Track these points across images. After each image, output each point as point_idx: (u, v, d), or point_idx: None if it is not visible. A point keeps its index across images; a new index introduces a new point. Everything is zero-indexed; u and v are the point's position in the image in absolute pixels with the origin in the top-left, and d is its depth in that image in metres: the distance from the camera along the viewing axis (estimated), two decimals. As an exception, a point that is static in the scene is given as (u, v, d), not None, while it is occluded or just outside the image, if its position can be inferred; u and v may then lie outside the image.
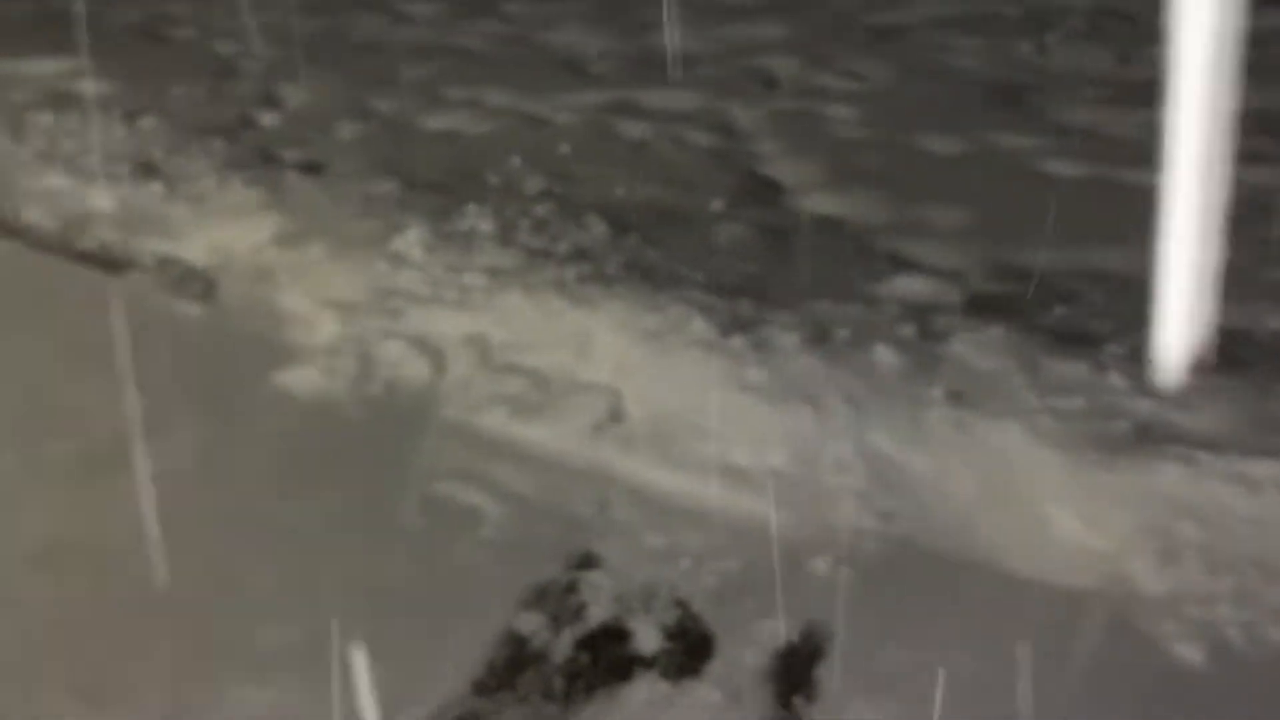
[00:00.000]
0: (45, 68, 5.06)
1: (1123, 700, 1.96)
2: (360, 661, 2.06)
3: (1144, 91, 4.74)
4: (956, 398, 2.43)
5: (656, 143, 4.40)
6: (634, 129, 4.53)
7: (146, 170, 4.02)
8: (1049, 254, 3.32)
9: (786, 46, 5.35)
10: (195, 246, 3.57)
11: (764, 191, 3.93)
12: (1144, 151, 4.17)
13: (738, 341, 2.57)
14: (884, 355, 2.53)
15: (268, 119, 4.63)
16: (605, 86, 4.99)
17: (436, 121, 4.63)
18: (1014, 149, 4.23)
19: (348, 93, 4.88)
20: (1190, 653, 2.01)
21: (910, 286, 2.93)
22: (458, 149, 4.32)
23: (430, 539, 2.37)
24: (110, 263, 3.47)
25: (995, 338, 2.61)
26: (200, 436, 2.66)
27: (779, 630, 2.13)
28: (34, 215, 3.75)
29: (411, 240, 3.12)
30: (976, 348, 2.58)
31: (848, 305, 2.77)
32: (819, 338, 2.60)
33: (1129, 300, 3.04)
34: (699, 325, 2.61)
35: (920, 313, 2.75)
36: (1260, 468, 2.15)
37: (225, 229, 3.60)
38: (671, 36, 5.60)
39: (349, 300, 2.99)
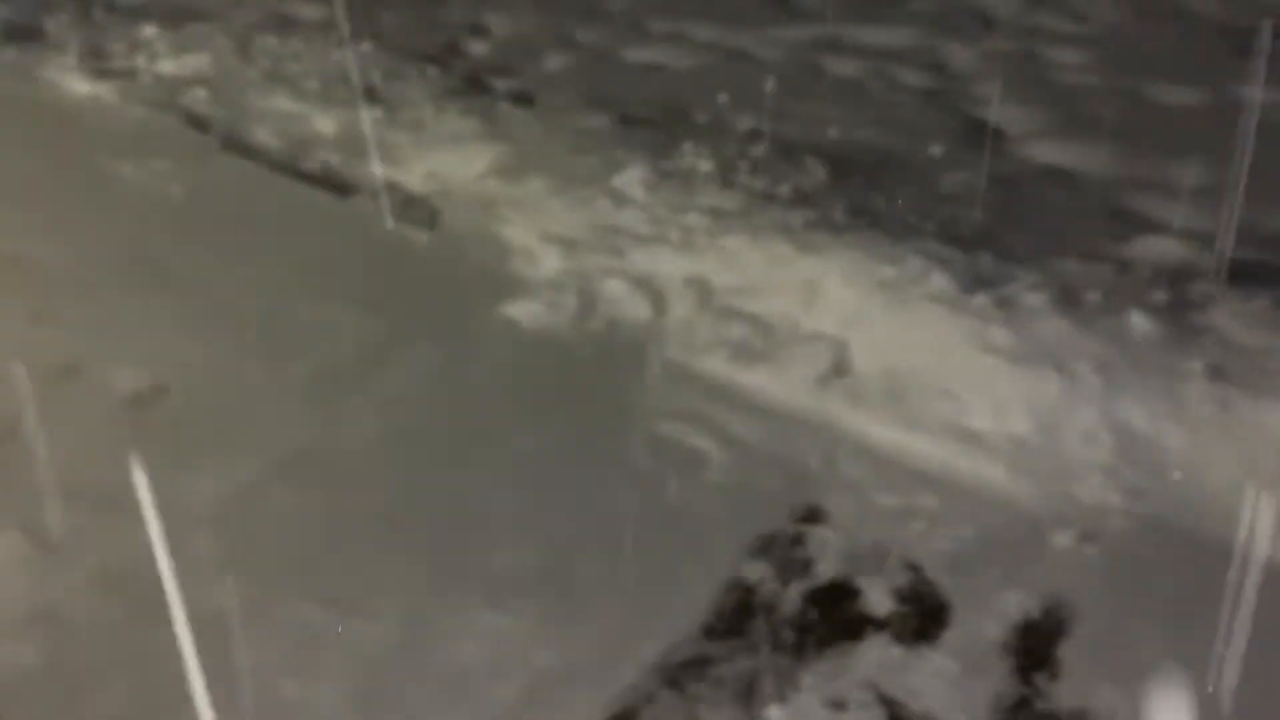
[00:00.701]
0: (265, -11, 5.18)
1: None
2: (593, 595, 2.08)
3: None
4: (1218, 372, 2.27)
5: (868, 81, 4.24)
6: (844, 66, 4.37)
7: (367, 95, 4.08)
8: (1306, 218, 3.06)
9: (1005, -17, 5.06)
10: (415, 173, 3.61)
11: (986, 138, 3.74)
12: None
13: (980, 299, 2.45)
14: (1138, 322, 2.38)
15: (476, 47, 4.65)
16: (813, 21, 4.82)
17: (641, 54, 4.57)
18: (1260, 102, 3.90)
19: (552, 22, 4.84)
20: None
21: (1159, 248, 2.74)
22: (664, 83, 4.25)
23: (658, 478, 2.36)
24: (337, 185, 3.54)
25: (1260, 310, 2.42)
26: (434, 360, 2.71)
27: (1020, 603, 2.05)
28: (262, 135, 3.86)
29: (632, 178, 3.08)
30: (1239, 320, 2.40)
31: (1095, 266, 2.61)
32: (1067, 299, 2.46)
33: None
34: (938, 279, 2.50)
35: (1175, 278, 2.57)
36: None
37: (444, 157, 3.63)
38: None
39: (571, 236, 2.98)
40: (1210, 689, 1.85)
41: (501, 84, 4.28)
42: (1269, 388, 2.23)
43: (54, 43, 4.52)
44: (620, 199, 3.04)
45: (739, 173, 3.12)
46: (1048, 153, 3.60)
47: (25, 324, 2.87)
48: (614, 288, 2.81)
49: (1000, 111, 3.94)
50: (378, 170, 3.67)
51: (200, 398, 2.63)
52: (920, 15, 4.81)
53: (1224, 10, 4.56)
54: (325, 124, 3.90)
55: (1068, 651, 1.96)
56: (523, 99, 4.09)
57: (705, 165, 3.13)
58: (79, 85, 4.08)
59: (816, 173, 3.13)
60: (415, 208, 3.38)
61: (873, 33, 4.64)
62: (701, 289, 2.73)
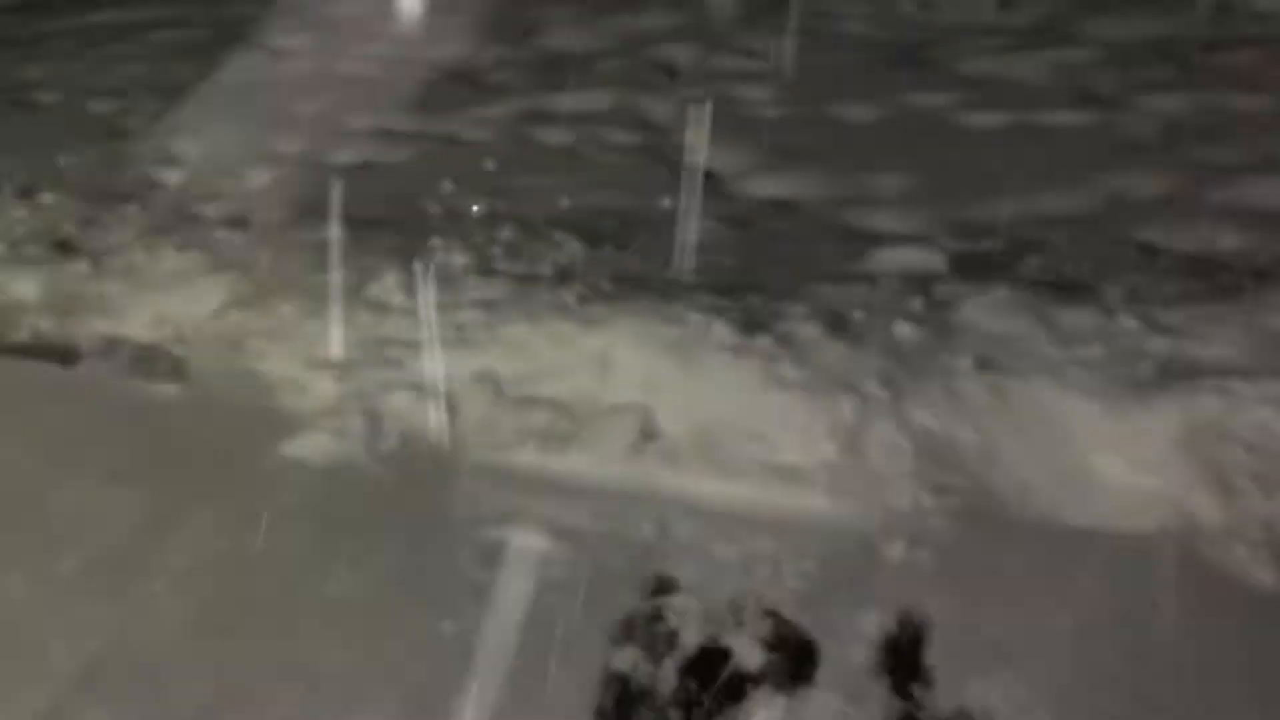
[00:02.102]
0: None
1: (1213, 633, 2.00)
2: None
3: (1032, 35, 4.90)
4: (984, 363, 2.43)
5: (582, 147, 4.30)
6: (554, 135, 4.42)
7: (62, 248, 3.71)
8: (999, 206, 3.37)
9: (678, 33, 5.31)
10: (140, 322, 3.30)
11: (705, 182, 3.88)
12: (1049, 93, 4.30)
13: (762, 340, 2.51)
14: (904, 332, 2.51)
15: (172, 176, 4.34)
16: (509, 96, 4.85)
17: (347, 155, 4.42)
18: (929, 107, 4.28)
19: (246, 139, 4.61)
20: (1267, 575, 2.06)
21: (894, 258, 2.92)
22: (382, 181, 4.13)
23: (497, 588, 2.25)
24: (58, 353, 3.18)
25: (1001, 299, 2.62)
26: (219, 523, 2.46)
27: (876, 622, 2.09)
28: (-47, 314, 3.41)
29: (389, 285, 2.95)
30: (987, 311, 2.58)
31: (849, 287, 2.74)
32: (837, 324, 2.56)
33: (1092, 240, 3.12)
34: (719, 330, 2.54)
35: (919, 283, 2.75)
36: (1292, 387, 2.21)
37: (169, 299, 3.35)
38: (562, 37, 5.49)
39: (339, 357, 2.81)
40: (1064, 659, 1.96)
41: (210, 210, 4.01)
42: (1029, 367, 2.42)
43: None
44: (381, 309, 2.90)
45: (495, 259, 3.06)
46: (764, 186, 3.78)
47: None
48: (399, 401, 2.67)
49: (710, 155, 4.10)
50: (98, 327, 3.33)
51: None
52: (610, 76, 4.95)
53: (877, 30, 4.99)
54: (24, 288, 3.50)
55: (933, 657, 2.03)
56: (235, 222, 3.85)
57: (459, 258, 3.05)
58: None
59: (569, 246, 3.12)
60: (154, 360, 3.09)
61: (571, 99, 4.73)
62: (491, 383, 2.65)
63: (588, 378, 2.56)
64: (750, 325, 2.56)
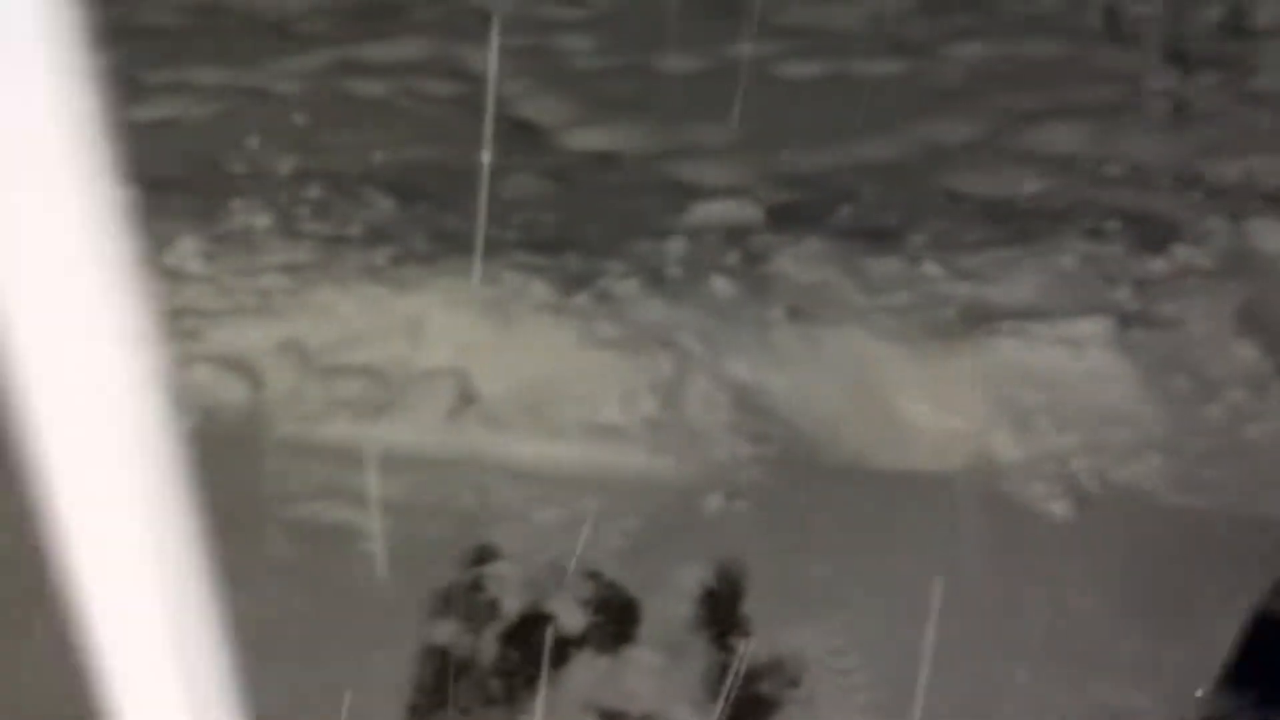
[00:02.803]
0: None
1: (1017, 565, 2.08)
2: (276, 713, 1.86)
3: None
4: (795, 314, 2.45)
5: (397, 99, 4.14)
6: (368, 87, 4.23)
7: None
8: (815, 156, 3.40)
9: (496, -20, 5.14)
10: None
11: (525, 135, 3.79)
12: (863, 42, 4.35)
13: (580, 299, 2.46)
14: (720, 286, 2.51)
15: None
16: (320, 46, 4.62)
17: (148, 111, 4.13)
18: (749, 57, 4.27)
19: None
20: (1059, 508, 2.15)
21: (713, 211, 2.91)
22: (185, 138, 3.88)
23: (309, 567, 2.15)
24: None
25: (813, 249, 2.64)
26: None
27: (695, 576, 2.10)
28: None
29: (186, 251, 2.77)
30: (799, 262, 2.60)
31: (668, 241, 2.72)
32: (655, 280, 2.53)
33: (902, 188, 3.18)
34: (537, 289, 2.48)
35: (736, 236, 2.74)
36: (1081, 327, 2.30)
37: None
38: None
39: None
40: (875, 601, 2.00)
41: (-10, 173, 3.69)
42: (838, 315, 2.45)
43: None
44: (178, 276, 2.72)
45: (300, 220, 2.91)
46: (585, 139, 3.71)
47: None
48: (200, 375, 2.51)
49: (530, 106, 4.00)
50: None
51: None
52: (426, 24, 4.77)
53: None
54: None
55: (751, 608, 2.04)
56: (22, 186, 3.55)
57: (262, 220, 2.88)
58: None
59: (381, 205, 2.99)
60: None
61: (385, 48, 4.53)
62: (298, 353, 2.52)
63: (401, 343, 2.46)
64: (568, 283, 2.51)
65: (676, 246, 2.66)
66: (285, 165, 3.54)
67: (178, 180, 3.39)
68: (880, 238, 2.72)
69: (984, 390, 2.29)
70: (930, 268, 2.53)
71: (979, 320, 2.38)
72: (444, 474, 2.32)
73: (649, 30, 4.53)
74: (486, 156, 3.52)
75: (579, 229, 2.84)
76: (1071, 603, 2.02)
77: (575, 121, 3.85)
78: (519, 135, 3.73)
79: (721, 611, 2.04)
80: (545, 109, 3.89)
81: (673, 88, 4.07)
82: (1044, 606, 2.02)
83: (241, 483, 2.32)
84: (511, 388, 2.39)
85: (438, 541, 2.20)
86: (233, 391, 2.50)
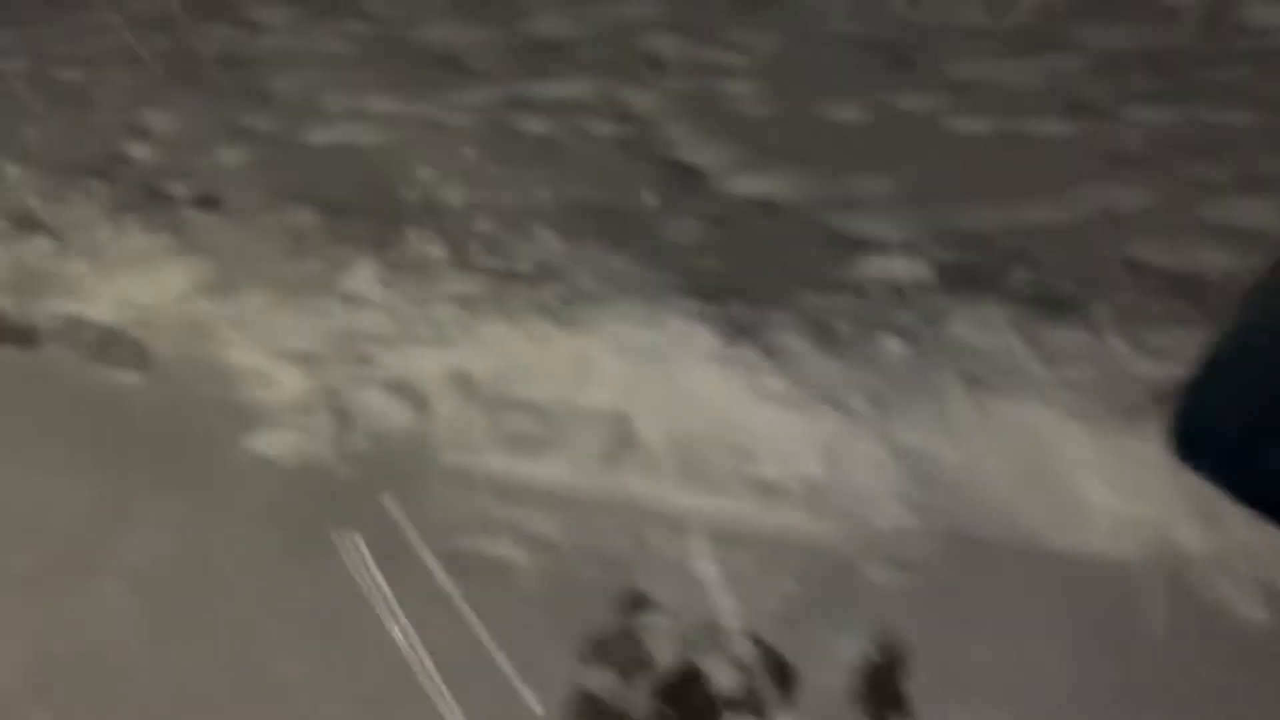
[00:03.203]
0: None
1: (1202, 670, 1.95)
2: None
3: (1022, 40, 4.83)
4: (972, 381, 2.37)
5: (563, 137, 4.19)
6: (535, 124, 4.30)
7: (26, 224, 3.57)
8: (985, 215, 3.30)
9: (663, 23, 5.19)
10: (103, 303, 3.18)
11: (687, 179, 3.78)
12: (1038, 100, 4.23)
13: (744, 349, 2.43)
14: (891, 346, 2.44)
15: (140, 151, 4.19)
16: (489, 81, 4.72)
17: (323, 135, 4.29)
18: (916, 110, 4.20)
19: (219, 113, 4.46)
20: (1251, 612, 2.01)
21: (880, 267, 2.84)
22: (357, 164, 4.01)
23: (467, 600, 2.16)
24: (18, 335, 3.05)
25: (988, 314, 2.55)
26: (178, 520, 2.36)
27: (856, 646, 2.03)
28: (-92, 290, 3.27)
29: (362, 277, 2.84)
30: (973, 326, 2.51)
31: (834, 295, 2.66)
32: (823, 335, 2.48)
33: (1079, 255, 3.05)
34: (701, 337, 2.46)
35: (906, 294, 2.67)
36: (1283, 418, 2.15)
37: (134, 281, 3.22)
38: (545, 22, 5.36)
39: (309, 350, 2.70)
40: (1046, 691, 1.90)
41: (180, 188, 3.87)
42: (1016, 386, 2.35)
43: None
44: (354, 301, 2.79)
45: (472, 253, 2.96)
46: (748, 186, 3.68)
47: None
48: (370, 399, 2.56)
49: (693, 150, 4.00)
50: (59, 308, 3.20)
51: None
52: (591, 65, 4.83)
53: (864, 28, 4.89)
54: (-17, 264, 3.36)
55: (913, 685, 1.96)
56: (208, 202, 3.72)
57: (435, 250, 2.94)
58: None
59: (548, 241, 3.01)
60: (117, 345, 2.97)
61: (551, 87, 4.60)
62: (465, 383, 2.55)
63: (566, 380, 2.47)
64: (734, 333, 2.48)
65: (844, 301, 2.61)
66: (455, 197, 3.61)
67: (355, 206, 3.50)
68: (1059, 306, 2.61)
69: (1170, 476, 2.16)
70: (1115, 342, 2.42)
71: (1167, 401, 2.25)
72: (599, 516, 2.31)
73: (814, 79, 4.49)
74: (650, 199, 3.54)
75: (743, 277, 2.81)
76: (1253, 713, 1.89)
77: (738, 167, 3.83)
78: (682, 179, 3.73)
79: (881, 687, 1.97)
80: (708, 154, 3.88)
81: (837, 137, 4.02)
82: (1225, 714, 1.88)
83: (405, 508, 2.35)
84: (671, 435, 2.36)
85: (590, 584, 2.18)
86: (401, 417, 2.54)
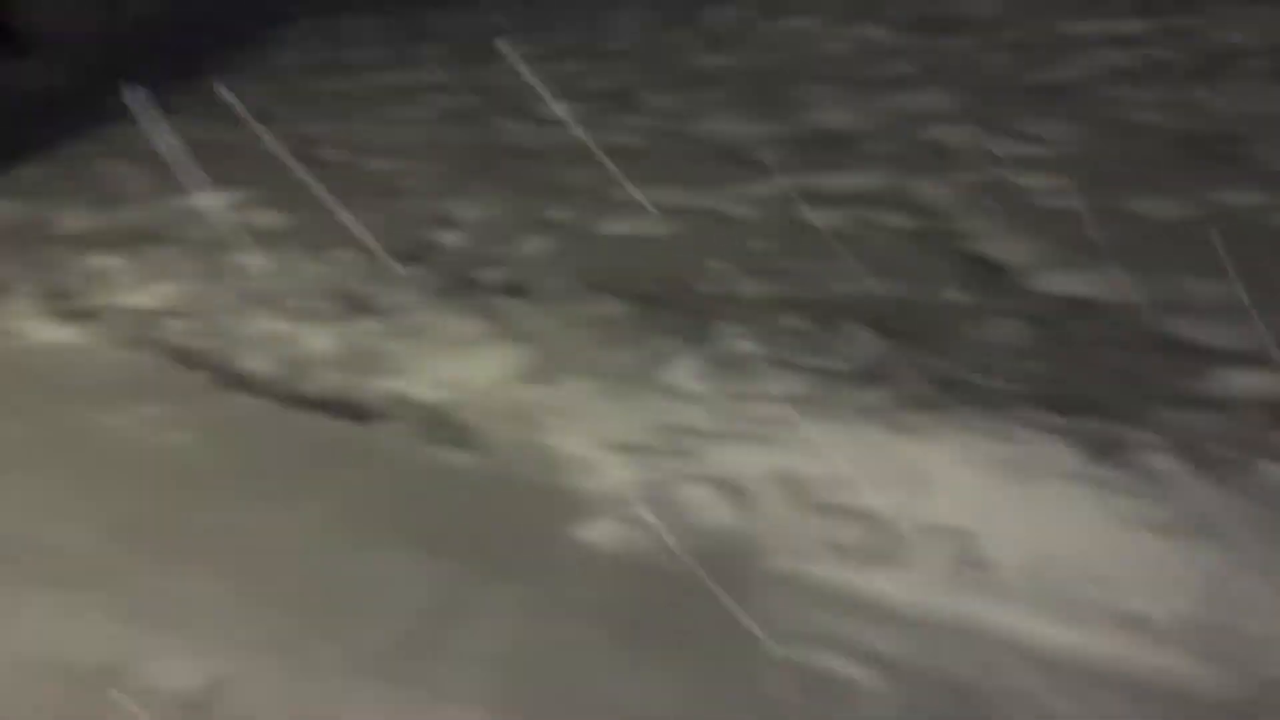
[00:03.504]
0: (215, 201, 4.91)
1: None
2: None
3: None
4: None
5: (854, 230, 4.13)
6: (826, 216, 4.26)
7: (353, 305, 3.81)
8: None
9: (952, 114, 5.08)
10: (425, 384, 3.33)
11: (994, 276, 3.63)
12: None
13: (1109, 469, 2.26)
14: (1274, 473, 2.21)
15: (450, 238, 4.43)
16: (775, 173, 4.74)
17: (616, 226, 4.40)
18: (1239, 206, 3.90)
19: (518, 205, 4.67)
20: None
21: (1242, 383, 2.60)
22: (653, 255, 4.08)
23: (800, 712, 2.06)
24: (350, 411, 3.23)
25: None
26: (518, 606, 2.38)
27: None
28: (254, 363, 3.53)
29: (681, 369, 2.85)
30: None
31: (1197, 413, 2.45)
32: (1195, 457, 2.28)
33: None
34: (1055, 451, 2.30)
35: (1277, 414, 2.43)
36: None
37: (454, 364, 3.36)
38: (828, 114, 5.36)
39: (632, 441, 2.71)
40: None
41: (487, 275, 4.05)
42: None
43: (2, 286, 4.14)
44: (674, 394, 2.79)
45: (786, 349, 2.91)
46: (1062, 283, 3.50)
47: (60, 620, 2.48)
48: (694, 494, 2.54)
49: (994, 245, 3.85)
50: (386, 386, 3.37)
51: (265, 693, 2.26)
52: (878, 156, 4.77)
53: (1171, 119, 4.62)
54: (318, 342, 3.60)
55: None
56: (517, 290, 3.86)
57: (748, 345, 2.92)
58: (42, 332, 3.71)
59: (862, 339, 2.94)
60: (443, 425, 3.09)
61: (839, 178, 4.57)
62: (794, 486, 2.49)
63: (903, 491, 2.36)
64: (1095, 451, 2.30)
65: (1211, 420, 2.38)
66: (749, 289, 3.61)
67: (658, 296, 3.55)
68: None
69: None
70: None
71: None
72: (945, 639, 2.17)
73: (1120, 171, 4.26)
74: (956, 296, 3.41)
75: (1087, 387, 2.63)
76: None
77: (1045, 264, 3.65)
78: (987, 276, 3.59)
79: None
80: (1012, 249, 3.73)
81: (1155, 235, 3.77)
82: None
83: (734, 612, 2.29)
84: (1024, 557, 2.20)
85: (945, 714, 2.04)
86: (726, 515, 2.50)
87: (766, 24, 6.63)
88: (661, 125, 5.43)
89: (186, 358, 3.51)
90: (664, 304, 3.45)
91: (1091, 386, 2.62)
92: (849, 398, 2.62)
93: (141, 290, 3.87)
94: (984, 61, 5.58)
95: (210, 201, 4.86)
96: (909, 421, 2.50)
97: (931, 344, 2.91)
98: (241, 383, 3.39)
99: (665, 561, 2.45)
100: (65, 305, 3.82)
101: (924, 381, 2.64)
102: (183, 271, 3.96)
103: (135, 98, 6.45)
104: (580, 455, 2.74)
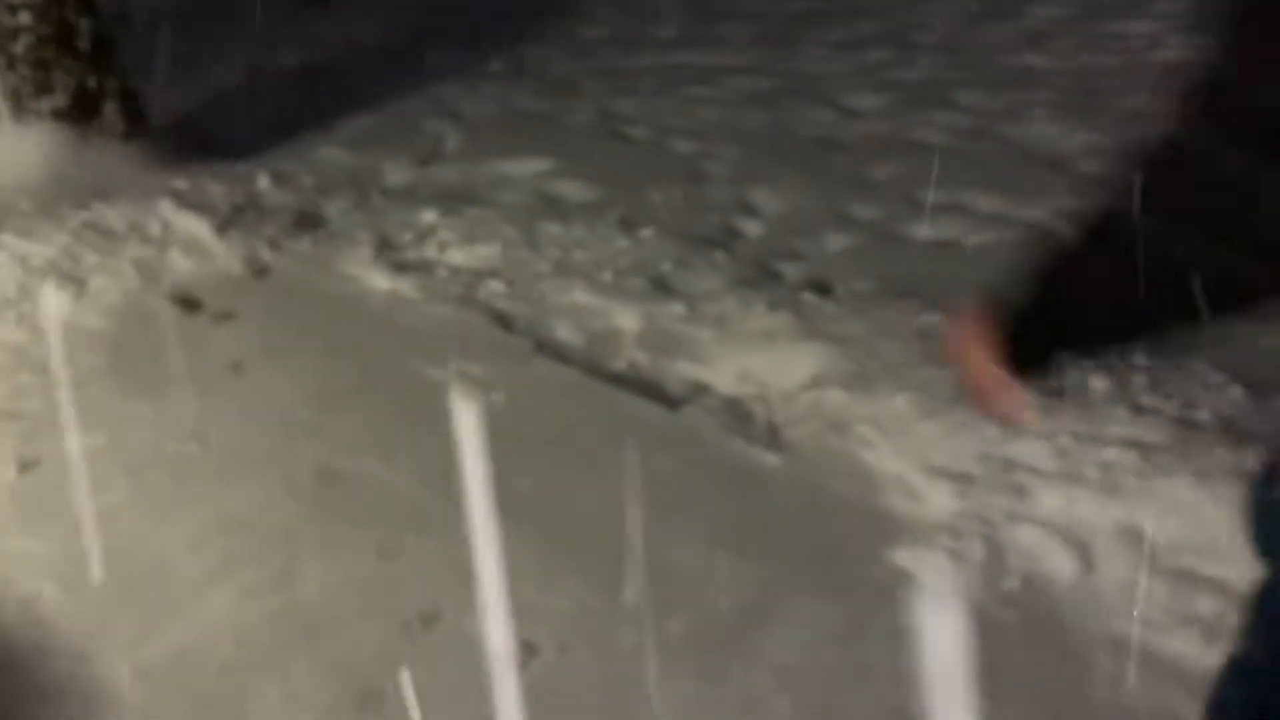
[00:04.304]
0: (526, 168, 5.03)
1: None
2: None
3: None
4: None
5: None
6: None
7: (659, 286, 3.80)
8: None
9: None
10: (726, 374, 3.26)
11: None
12: None
13: None
14: None
15: (751, 228, 4.35)
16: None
17: (925, 230, 4.18)
18: None
19: (820, 197, 4.52)
20: None
21: None
22: (966, 265, 3.84)
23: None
24: (661, 395, 3.21)
25: None
26: (825, 621, 2.28)
27: None
28: (565, 333, 3.58)
29: (1018, 399, 2.64)
30: None
31: None
32: None
33: None
34: None
35: None
36: None
37: (756, 358, 3.28)
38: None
39: (958, 469, 2.55)
40: None
41: (790, 269, 3.94)
42: None
43: (341, 231, 4.40)
44: (1006, 424, 2.60)
45: (1137, 390, 2.65)
46: None
47: (375, 560, 2.59)
48: (1026, 537, 2.35)
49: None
50: (688, 372, 3.34)
51: (573, 660, 2.27)
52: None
53: None
54: (625, 319, 3.60)
55: None
56: (820, 287, 3.73)
57: (1096, 381, 2.67)
58: (379, 280, 3.90)
59: (1226, 390, 2.63)
60: (751, 421, 3.02)
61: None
62: (1141, 544, 2.25)
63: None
64: None
65: None
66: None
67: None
68: None
69: None
70: None
71: None
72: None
73: None
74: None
75: None
76: None
77: None
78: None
79: None
80: None
81: None
82: None
83: (1074, 676, 2.10)
84: None
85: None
86: (1061, 566, 2.30)
87: (1092, 25, 6.15)
88: (973, 124, 5.13)
89: (505, 321, 3.60)
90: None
91: None
92: (1210, 453, 2.35)
93: (465, 249, 4.01)
94: None
95: (520, 168, 4.99)
96: None
97: (1305, 404, 2.58)
98: (556, 353, 3.44)
99: (989, 604, 2.28)
100: (398, 256, 4.00)
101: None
102: (503, 236, 4.07)
103: (449, 58, 6.73)
104: (899, 475, 2.60)
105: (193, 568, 2.62)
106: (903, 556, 2.39)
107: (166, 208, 4.41)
